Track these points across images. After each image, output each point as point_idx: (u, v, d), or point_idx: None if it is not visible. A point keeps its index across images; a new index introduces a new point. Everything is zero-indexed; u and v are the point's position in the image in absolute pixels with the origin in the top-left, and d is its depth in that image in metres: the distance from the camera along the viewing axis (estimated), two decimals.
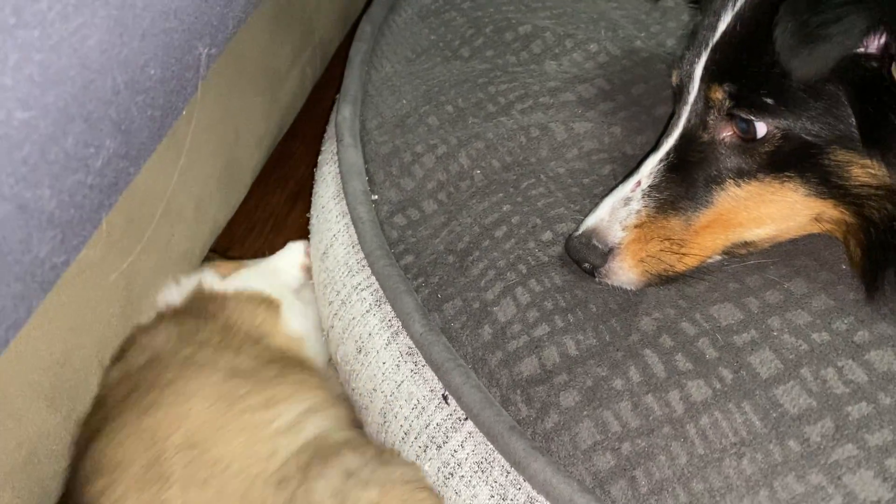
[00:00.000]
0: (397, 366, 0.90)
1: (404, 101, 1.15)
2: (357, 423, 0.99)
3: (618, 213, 0.83)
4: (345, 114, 1.16)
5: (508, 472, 0.77)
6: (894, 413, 0.68)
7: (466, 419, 0.81)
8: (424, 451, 0.84)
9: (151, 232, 0.89)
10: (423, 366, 0.88)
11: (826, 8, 0.64)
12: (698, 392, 0.74)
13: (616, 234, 0.82)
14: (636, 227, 0.82)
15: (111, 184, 0.71)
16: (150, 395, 0.89)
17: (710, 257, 0.83)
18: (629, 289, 0.84)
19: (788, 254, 0.83)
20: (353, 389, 0.98)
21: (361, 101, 1.19)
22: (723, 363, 0.75)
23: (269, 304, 1.10)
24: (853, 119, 0.72)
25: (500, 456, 0.77)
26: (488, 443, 0.79)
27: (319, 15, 1.34)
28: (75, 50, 0.63)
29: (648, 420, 0.74)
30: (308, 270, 1.18)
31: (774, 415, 0.71)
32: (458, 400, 0.82)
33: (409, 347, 0.90)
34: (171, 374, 0.92)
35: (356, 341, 0.96)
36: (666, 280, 0.83)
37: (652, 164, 0.83)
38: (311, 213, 1.17)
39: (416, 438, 0.85)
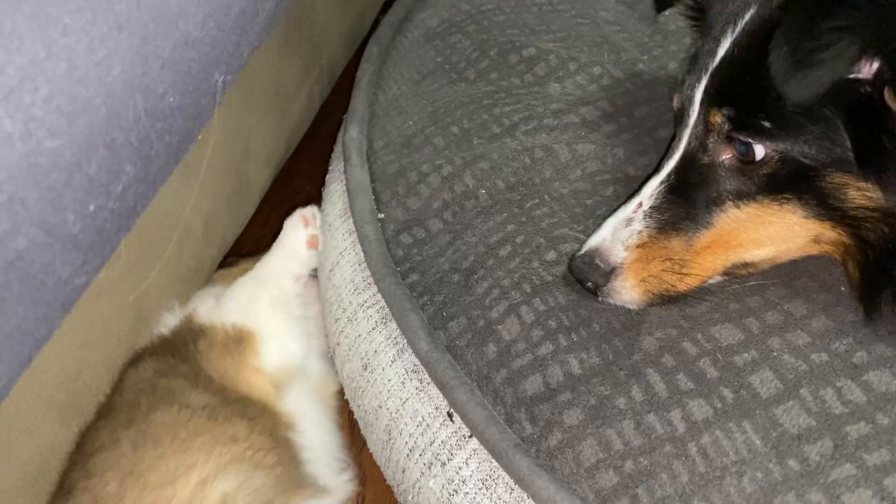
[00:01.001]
0: (402, 383, 0.91)
1: (411, 122, 1.17)
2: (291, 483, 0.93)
3: (620, 233, 0.84)
4: (352, 134, 1.18)
5: (513, 490, 0.78)
6: (892, 433, 0.69)
7: (471, 436, 0.83)
8: (429, 468, 0.85)
9: (161, 250, 0.91)
10: (428, 383, 0.89)
11: (818, 34, 0.66)
12: (700, 411, 0.75)
13: (618, 254, 0.84)
14: (638, 247, 0.83)
15: (130, 207, 0.74)
16: (82, 462, 0.86)
17: (710, 277, 0.84)
18: (631, 308, 0.85)
19: (788, 275, 0.84)
20: (358, 406, 0.99)
21: (368, 121, 1.21)
22: (724, 383, 0.76)
23: (240, 341, 1.02)
24: (849, 142, 0.74)
25: (504, 473, 0.78)
26: (493, 460, 0.80)
27: (327, 36, 1.37)
28: (101, 80, 0.66)
29: (651, 439, 0.75)
30: (315, 241, 1.11)
31: (774, 434, 0.72)
32: (463, 417, 0.83)
33: (415, 365, 0.91)
34: (103, 440, 0.88)
35: (362, 358, 0.97)
36: (668, 300, 0.84)
37: (653, 186, 0.85)
38: (319, 230, 1.19)
39: (420, 455, 0.86)
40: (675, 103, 0.89)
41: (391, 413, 0.91)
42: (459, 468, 0.82)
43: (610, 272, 0.84)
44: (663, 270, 0.83)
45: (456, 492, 0.82)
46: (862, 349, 0.76)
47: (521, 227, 0.97)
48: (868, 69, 0.71)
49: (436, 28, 1.31)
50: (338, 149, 1.26)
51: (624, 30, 1.24)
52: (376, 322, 0.98)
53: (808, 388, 0.74)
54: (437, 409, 0.87)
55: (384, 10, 1.46)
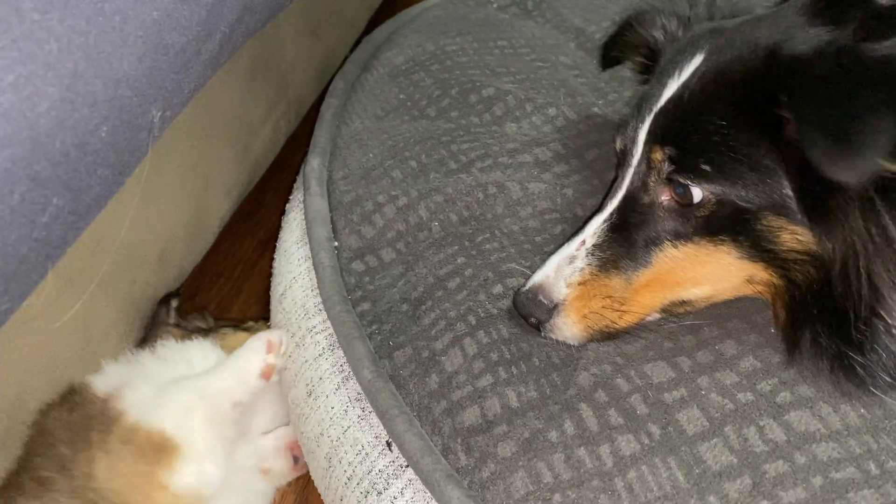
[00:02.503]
0: (345, 411, 0.92)
1: (371, 155, 1.19)
2: None
3: (563, 270, 0.86)
4: (313, 164, 1.20)
5: None
6: (808, 471, 0.71)
7: (407, 466, 0.84)
8: (365, 496, 0.85)
9: (112, 277, 0.91)
10: (370, 412, 0.90)
11: (855, 109, 0.66)
12: (628, 446, 0.76)
13: (561, 291, 0.85)
14: (580, 284, 0.85)
15: (59, 237, 0.74)
16: None
17: (649, 315, 0.86)
18: (572, 343, 0.87)
19: (722, 316, 0.86)
20: (301, 433, 1.00)
21: (330, 153, 1.23)
22: (652, 419, 0.78)
23: (160, 451, 0.92)
24: (786, 189, 0.76)
25: (436, 503, 0.79)
26: (427, 490, 0.81)
27: (295, 71, 1.39)
28: (25, 117, 0.66)
29: (579, 472, 0.76)
30: (271, 372, 1.01)
31: (697, 471, 0.73)
32: (400, 447, 0.84)
33: (358, 393, 0.92)
34: None
35: (307, 385, 0.98)
36: (607, 336, 0.86)
37: (596, 225, 0.87)
38: (275, 257, 1.21)
39: (357, 484, 0.87)
40: (618, 145, 0.91)
41: (332, 441, 0.92)
42: (394, 498, 0.83)
43: (553, 308, 0.85)
44: (604, 307, 0.85)
45: None
46: (786, 389, 0.78)
47: (471, 260, 0.99)
48: None
49: (401, 66, 1.34)
50: (300, 179, 1.28)
51: (582, 74, 1.28)
52: (323, 348, 0.99)
53: (732, 427, 0.75)
54: (376, 437, 0.88)
55: (356, 47, 1.49)
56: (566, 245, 0.89)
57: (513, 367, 0.86)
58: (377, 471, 0.86)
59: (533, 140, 1.14)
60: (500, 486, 0.78)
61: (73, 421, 0.93)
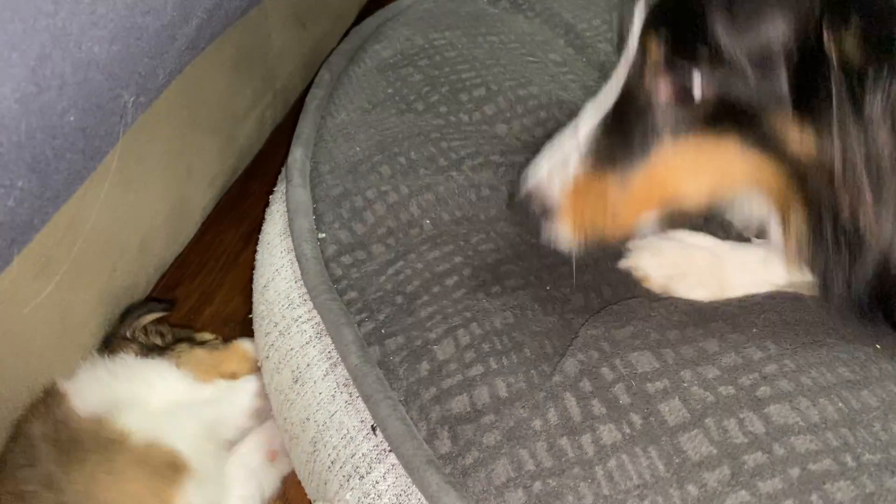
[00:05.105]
0: (333, 396, 0.92)
1: (358, 149, 1.19)
2: None
3: (558, 172, 0.83)
4: (296, 155, 1.19)
5: None
6: (786, 462, 0.72)
7: (391, 451, 0.84)
8: (347, 480, 0.85)
9: (91, 265, 0.90)
10: (357, 397, 0.90)
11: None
12: (609, 435, 0.77)
13: (555, 194, 0.82)
14: (574, 186, 0.82)
15: (25, 222, 0.72)
16: None
17: (645, 222, 0.84)
18: (566, 248, 0.85)
19: (706, 318, 0.88)
20: (284, 419, 1.00)
21: (315, 144, 1.23)
22: (634, 409, 0.79)
23: (172, 468, 0.96)
24: (787, 82, 0.71)
25: (416, 489, 0.79)
26: (407, 475, 0.81)
27: (282, 62, 1.39)
28: None
29: (561, 461, 0.77)
30: (259, 414, 1.08)
31: (677, 460, 0.74)
32: (384, 431, 0.84)
33: (346, 379, 0.92)
34: None
35: (293, 371, 0.98)
36: (601, 241, 0.84)
37: (591, 123, 0.83)
38: (258, 249, 1.20)
39: (341, 468, 0.87)
40: (615, 38, 0.86)
41: (318, 426, 0.92)
42: (376, 482, 0.83)
43: (548, 211, 0.83)
44: (598, 209, 0.82)
45: None
46: (766, 384, 0.79)
47: (469, 261, 0.99)
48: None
49: (388, 59, 1.34)
50: (284, 171, 1.27)
51: (571, 72, 1.29)
52: (311, 336, 0.99)
53: (712, 418, 0.77)
54: (362, 422, 0.88)
55: (345, 38, 1.49)
56: (559, 146, 0.85)
57: (503, 357, 0.87)
58: (361, 454, 0.86)
59: (524, 143, 1.15)
60: (482, 473, 0.78)
61: (61, 440, 0.94)
